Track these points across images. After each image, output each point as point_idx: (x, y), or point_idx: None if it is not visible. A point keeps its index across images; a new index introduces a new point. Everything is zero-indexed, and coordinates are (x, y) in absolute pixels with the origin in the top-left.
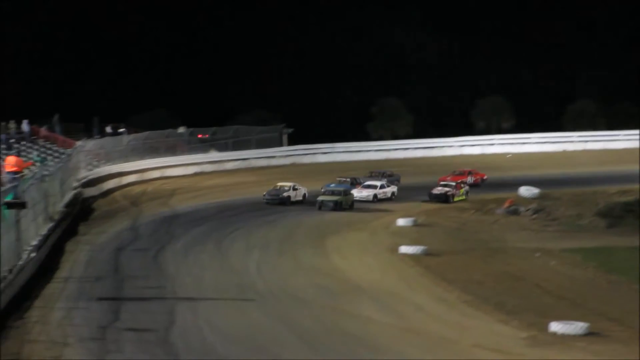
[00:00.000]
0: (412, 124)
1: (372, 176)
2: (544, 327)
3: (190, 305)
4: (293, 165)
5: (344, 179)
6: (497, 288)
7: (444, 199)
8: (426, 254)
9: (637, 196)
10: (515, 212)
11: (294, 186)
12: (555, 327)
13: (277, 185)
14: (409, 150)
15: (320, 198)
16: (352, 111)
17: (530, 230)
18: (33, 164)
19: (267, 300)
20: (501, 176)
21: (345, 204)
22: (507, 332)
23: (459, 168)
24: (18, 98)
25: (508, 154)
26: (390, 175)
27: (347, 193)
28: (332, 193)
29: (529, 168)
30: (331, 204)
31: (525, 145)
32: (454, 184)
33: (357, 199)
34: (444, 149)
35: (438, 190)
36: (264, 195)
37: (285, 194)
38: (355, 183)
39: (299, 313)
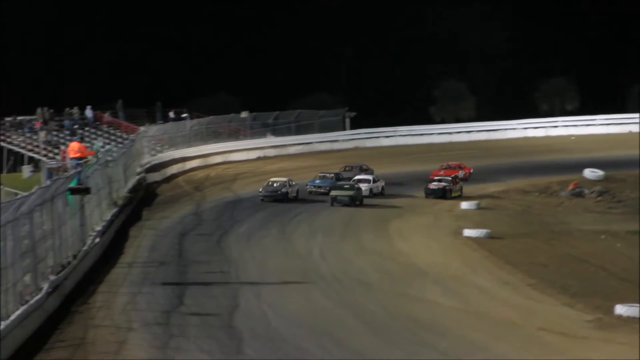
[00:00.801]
0: (475, 107)
1: (346, 170)
2: (610, 310)
3: (253, 289)
4: (356, 149)
5: (328, 175)
6: (562, 271)
7: (442, 194)
8: (490, 237)
9: None
10: (579, 195)
11: (289, 181)
12: (621, 309)
13: (272, 181)
14: (472, 133)
15: (334, 193)
16: (415, 94)
17: (595, 212)
18: (95, 154)
19: (330, 284)
20: (565, 158)
21: (358, 199)
22: (572, 315)
23: (446, 161)
24: (81, 84)
25: (572, 135)
26: (365, 170)
27: (358, 188)
28: (345, 188)
29: (594, 150)
30: (347, 199)
31: (590, 127)
32: (449, 178)
33: (313, 190)
34: (507, 131)
35: (435, 185)
36: (260, 191)
37: (283, 190)
38: (339, 179)
39: (363, 297)
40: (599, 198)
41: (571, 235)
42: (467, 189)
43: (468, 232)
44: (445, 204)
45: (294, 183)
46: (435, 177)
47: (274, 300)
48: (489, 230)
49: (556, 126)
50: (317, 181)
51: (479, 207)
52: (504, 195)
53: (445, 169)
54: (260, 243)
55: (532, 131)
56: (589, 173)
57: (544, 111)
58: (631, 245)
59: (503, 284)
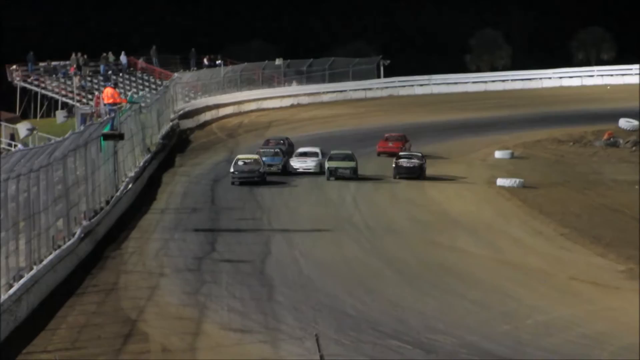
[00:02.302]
0: (511, 56)
1: (270, 144)
2: None
3: (285, 236)
4: (390, 97)
5: (272, 148)
6: (595, 221)
7: (418, 173)
8: (523, 186)
9: None
10: (614, 144)
11: (284, 141)
12: None
13: (242, 158)
14: (507, 82)
15: (333, 165)
16: (450, 43)
17: (630, 162)
18: (128, 102)
19: (362, 232)
20: (600, 108)
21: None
22: (604, 264)
23: (388, 132)
24: (116, 30)
25: (607, 85)
26: (290, 145)
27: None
28: (343, 158)
29: (629, 100)
30: (348, 172)
31: (626, 77)
32: (420, 154)
33: (301, 170)
34: (542, 80)
35: (407, 162)
36: (232, 172)
37: (262, 169)
38: (287, 151)
39: (395, 245)
40: (634, 148)
41: (605, 185)
42: (502, 137)
43: (501, 182)
44: (479, 152)
45: (286, 143)
46: (404, 154)
47: (305, 248)
48: (522, 180)
49: (592, 76)
50: (264, 159)
51: (512, 157)
52: (538, 144)
53: (395, 140)
54: (292, 191)
55: (567, 80)
56: (624, 123)
57: (579, 60)
58: None
59: (536, 234)
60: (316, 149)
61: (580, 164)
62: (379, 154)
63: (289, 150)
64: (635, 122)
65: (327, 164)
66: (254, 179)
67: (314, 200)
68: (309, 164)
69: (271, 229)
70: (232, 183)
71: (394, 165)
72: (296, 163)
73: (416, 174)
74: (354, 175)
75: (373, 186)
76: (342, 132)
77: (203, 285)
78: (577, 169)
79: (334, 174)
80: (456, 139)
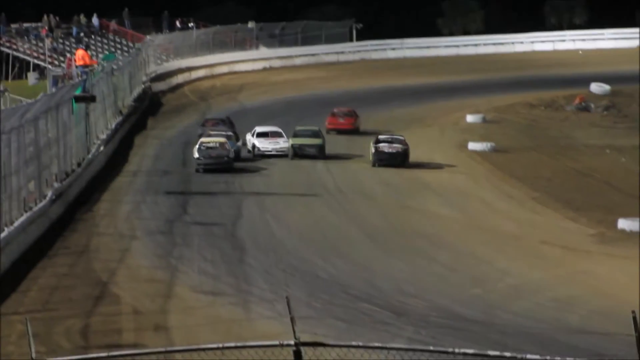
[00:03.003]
0: (483, 20)
1: (208, 125)
2: (613, 225)
3: (257, 200)
4: (362, 61)
5: (220, 120)
6: (566, 185)
7: (402, 159)
8: (494, 150)
9: None
10: (585, 109)
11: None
12: (624, 224)
13: (207, 142)
14: (479, 46)
15: (297, 142)
16: (423, 7)
17: (601, 127)
18: (98, 64)
19: (334, 196)
20: (572, 72)
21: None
22: (575, 228)
23: (337, 107)
24: None
25: (580, 50)
26: (231, 124)
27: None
28: (310, 134)
29: (601, 64)
30: (314, 150)
31: (598, 42)
32: (402, 137)
33: (274, 152)
34: (514, 45)
35: (389, 147)
36: (197, 158)
37: (230, 155)
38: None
39: (366, 210)
40: (605, 113)
41: (576, 149)
42: (474, 101)
43: (473, 146)
44: (451, 116)
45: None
46: (384, 137)
47: (278, 212)
48: (493, 144)
49: (564, 40)
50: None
51: (484, 121)
52: (510, 109)
53: (346, 115)
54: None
55: (539, 45)
56: (596, 87)
57: (552, 25)
58: (636, 160)
59: (507, 198)
60: (277, 128)
61: (552, 128)
62: (328, 130)
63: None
64: (606, 87)
65: (290, 141)
66: (221, 165)
67: (285, 164)
68: (281, 145)
69: (243, 192)
70: (197, 171)
71: (373, 151)
72: (266, 144)
73: (399, 160)
74: (321, 154)
75: (346, 149)
76: (314, 96)
77: (175, 247)
78: (548, 133)
79: (299, 152)
80: (428, 103)
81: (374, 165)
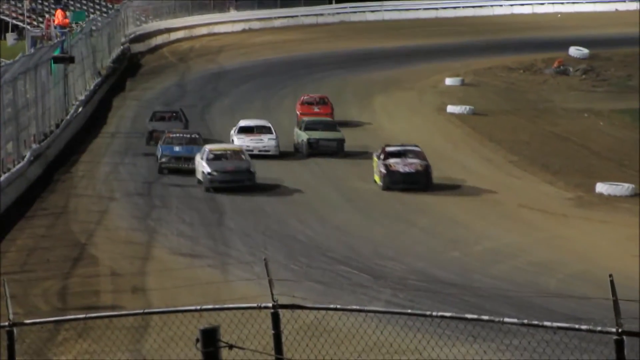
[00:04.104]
0: None
1: (156, 120)
2: (591, 188)
3: None
4: (341, 23)
5: (185, 134)
6: (544, 149)
7: (424, 180)
8: (473, 113)
9: None
10: (564, 72)
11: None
12: (601, 188)
13: (218, 150)
14: (459, 9)
15: (313, 136)
16: None
17: (579, 90)
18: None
19: (313, 160)
20: (551, 36)
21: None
22: (553, 192)
23: (306, 94)
24: None
25: (558, 13)
26: (185, 120)
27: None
28: (326, 126)
29: (580, 28)
30: (334, 145)
31: (576, 5)
32: (418, 148)
33: (255, 152)
34: (493, 8)
35: (405, 165)
36: (209, 173)
37: (252, 168)
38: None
39: (345, 173)
40: (584, 76)
41: (554, 113)
42: (453, 64)
43: (452, 109)
44: (431, 79)
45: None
46: (389, 148)
47: (257, 174)
48: (472, 107)
49: (543, 3)
50: (177, 149)
51: (463, 84)
52: (489, 72)
53: (320, 103)
54: (243, 116)
55: (518, 8)
56: (574, 51)
57: None
58: (614, 124)
59: (485, 161)
60: (265, 122)
61: (530, 91)
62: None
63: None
64: (585, 50)
65: (304, 135)
66: (243, 182)
67: None
68: (266, 142)
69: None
70: (207, 190)
71: (382, 170)
72: (247, 142)
73: (422, 182)
74: (340, 150)
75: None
76: (293, 58)
77: (153, 209)
78: (527, 97)
79: (316, 148)
80: (407, 65)
81: (385, 189)
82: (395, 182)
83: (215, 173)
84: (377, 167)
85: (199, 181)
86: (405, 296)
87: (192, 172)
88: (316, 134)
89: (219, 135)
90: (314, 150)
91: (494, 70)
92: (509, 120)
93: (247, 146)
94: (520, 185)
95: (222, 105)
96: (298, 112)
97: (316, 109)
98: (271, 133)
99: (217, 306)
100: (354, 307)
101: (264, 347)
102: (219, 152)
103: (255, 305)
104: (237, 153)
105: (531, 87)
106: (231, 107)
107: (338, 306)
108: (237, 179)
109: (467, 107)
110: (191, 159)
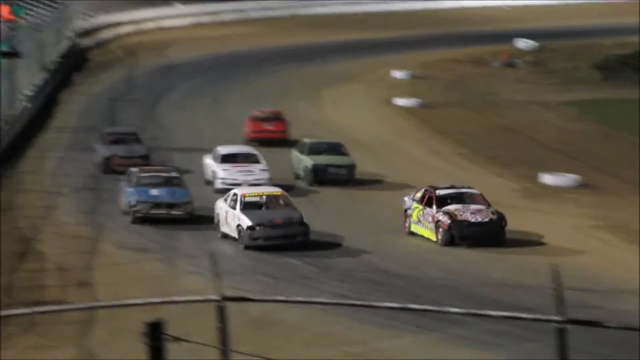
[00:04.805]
0: None
1: (119, 141)
2: (537, 179)
3: (185, 156)
4: (291, 17)
5: (163, 172)
6: (492, 141)
7: (498, 231)
8: (421, 106)
9: (635, 49)
10: (511, 65)
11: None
12: (547, 178)
13: (254, 196)
14: (407, 2)
15: (320, 162)
16: None
17: (526, 82)
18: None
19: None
20: (499, 29)
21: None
22: (500, 183)
23: (257, 109)
24: None
25: (507, 6)
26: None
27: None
28: (333, 150)
29: (527, 20)
30: (344, 172)
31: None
32: (477, 191)
33: (251, 182)
34: (443, 1)
35: (475, 214)
36: (250, 227)
37: (303, 219)
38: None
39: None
40: (531, 69)
41: (502, 105)
42: (401, 57)
43: (400, 101)
44: (378, 72)
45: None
46: (446, 192)
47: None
48: (420, 100)
49: None
50: (154, 192)
51: (411, 77)
52: (437, 65)
53: (274, 119)
54: (193, 111)
55: (468, 2)
56: (522, 43)
57: None
58: (560, 115)
59: (433, 153)
60: (250, 149)
61: (478, 84)
62: (248, 141)
63: None
64: (532, 43)
65: (308, 160)
66: (296, 239)
67: (213, 120)
68: (258, 175)
69: (172, 147)
70: (247, 247)
71: (445, 222)
72: (236, 175)
73: (500, 236)
74: (351, 177)
75: (272, 105)
76: (242, 53)
77: (101, 204)
78: (474, 90)
79: (323, 176)
80: (356, 59)
81: (446, 244)
82: (466, 237)
83: (258, 228)
84: (425, 215)
85: (225, 236)
86: (351, 288)
87: (176, 221)
88: (324, 159)
89: (167, 129)
90: (321, 178)
91: (443, 63)
92: (457, 113)
93: (235, 179)
94: (467, 176)
95: (171, 99)
96: (247, 130)
97: (268, 127)
98: (259, 162)
99: (163, 299)
100: (300, 299)
101: (211, 340)
102: (251, 197)
103: (201, 298)
104: (285, 200)
105: (479, 80)
106: (181, 101)
107: (284, 298)
108: (288, 234)
109: (415, 100)
110: (174, 206)
